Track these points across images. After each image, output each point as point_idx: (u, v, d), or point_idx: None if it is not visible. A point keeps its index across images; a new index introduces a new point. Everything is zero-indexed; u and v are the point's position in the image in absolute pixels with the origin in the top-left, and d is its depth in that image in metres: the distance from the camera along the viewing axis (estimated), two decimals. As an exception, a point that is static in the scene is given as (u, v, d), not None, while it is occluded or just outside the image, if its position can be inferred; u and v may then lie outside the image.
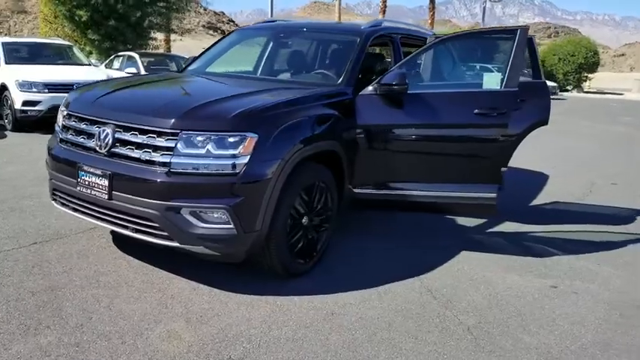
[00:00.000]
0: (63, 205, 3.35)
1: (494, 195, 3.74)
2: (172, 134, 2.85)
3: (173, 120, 2.87)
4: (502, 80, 3.66)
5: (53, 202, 3.45)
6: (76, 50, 10.11)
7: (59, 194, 3.35)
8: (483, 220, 4.82)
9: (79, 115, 3.27)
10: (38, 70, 8.56)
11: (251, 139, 2.85)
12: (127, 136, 2.98)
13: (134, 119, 2.99)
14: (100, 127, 3.09)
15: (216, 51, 4.64)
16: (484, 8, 29.67)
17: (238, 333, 2.68)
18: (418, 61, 4.00)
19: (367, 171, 3.77)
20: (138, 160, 2.92)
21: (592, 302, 3.29)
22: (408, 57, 3.78)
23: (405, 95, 3.66)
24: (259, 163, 2.88)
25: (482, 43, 4.15)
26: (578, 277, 3.68)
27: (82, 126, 3.22)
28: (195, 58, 4.63)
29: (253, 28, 5.02)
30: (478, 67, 4.07)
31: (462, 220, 4.77)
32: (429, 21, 26.85)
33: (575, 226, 4.86)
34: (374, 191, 3.82)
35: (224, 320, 2.80)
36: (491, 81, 3.72)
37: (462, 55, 4.18)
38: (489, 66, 4.28)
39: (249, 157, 2.84)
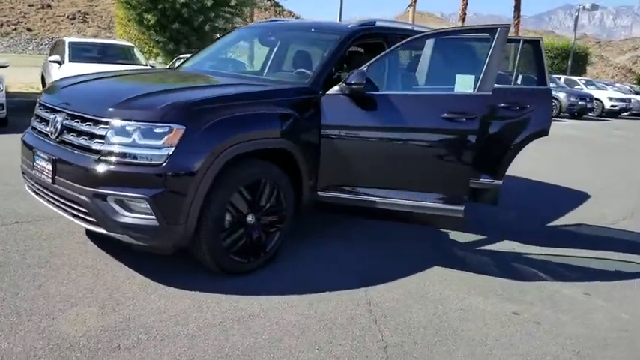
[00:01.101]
0: (29, 187, 3.53)
1: (461, 208, 3.44)
2: (105, 123, 2.91)
3: (107, 109, 2.94)
4: (475, 83, 3.37)
5: (25, 185, 3.66)
6: (136, 51, 10.74)
7: (26, 177, 3.54)
8: (479, 237, 4.48)
9: (44, 103, 3.44)
10: (96, 68, 9.16)
11: (177, 131, 2.84)
12: (72, 124, 3.09)
13: (79, 108, 3.10)
14: (54, 115, 3.23)
15: (214, 49, 4.71)
16: (576, 18, 27.69)
17: (142, 324, 2.67)
18: (391, 61, 3.78)
19: (331, 174, 3.62)
20: (77, 146, 3.01)
21: (551, 335, 2.91)
22: (378, 55, 3.58)
23: (371, 96, 3.48)
24: (185, 156, 2.85)
25: (460, 42, 3.84)
26: (553, 305, 3.28)
27: (44, 114, 3.38)
28: (193, 55, 4.73)
29: (249, 27, 5.03)
30: (455, 67, 3.76)
31: (455, 234, 4.46)
32: (514, 31, 25.53)
33: (586, 252, 4.35)
34: (338, 195, 3.65)
35: (136, 310, 2.80)
36: (464, 83, 3.43)
37: (440, 54, 3.89)
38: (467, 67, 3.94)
39: (173, 149, 2.83)
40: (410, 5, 22.75)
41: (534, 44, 4.16)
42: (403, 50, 3.72)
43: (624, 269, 4.05)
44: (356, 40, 4.04)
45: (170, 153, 2.82)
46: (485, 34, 3.48)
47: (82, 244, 3.63)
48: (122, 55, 10.49)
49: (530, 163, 8.52)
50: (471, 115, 3.33)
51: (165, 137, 2.83)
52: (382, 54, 3.58)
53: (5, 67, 8.80)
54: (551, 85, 20.55)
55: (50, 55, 10.93)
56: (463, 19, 24.08)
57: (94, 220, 2.95)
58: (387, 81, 3.79)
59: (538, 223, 5.10)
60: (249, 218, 3.27)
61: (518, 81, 4.31)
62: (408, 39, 3.55)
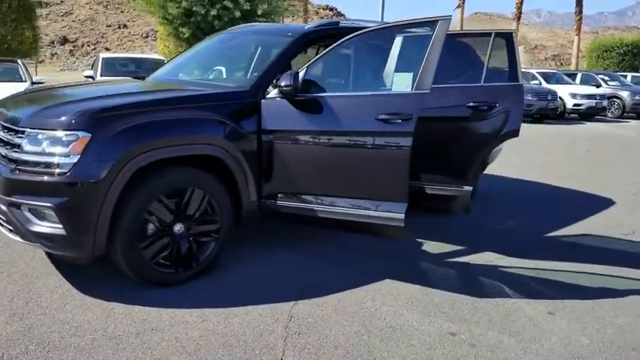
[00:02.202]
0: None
1: (401, 215, 3.15)
2: (22, 132, 2.93)
3: (23, 118, 2.96)
4: (413, 81, 3.09)
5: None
6: (167, 63, 11.09)
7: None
8: (457, 248, 4.13)
9: None
10: (124, 81, 9.55)
11: (83, 139, 2.80)
12: (2, 134, 3.14)
13: (7, 118, 3.15)
14: None
15: (184, 56, 4.70)
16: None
17: (39, 334, 2.63)
18: (331, 61, 3.56)
19: (275, 181, 3.46)
20: (1, 156, 3.06)
21: (480, 360, 2.58)
22: (317, 56, 3.38)
23: (307, 99, 3.30)
24: (90, 164, 2.80)
25: (400, 37, 3.53)
26: (503, 326, 2.92)
27: None
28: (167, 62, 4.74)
29: (220, 34, 4.95)
30: (402, 65, 3.46)
31: (430, 245, 4.14)
32: (575, 27, 24.04)
33: (579, 266, 3.87)
34: (284, 204, 3.48)
35: (42, 320, 2.77)
36: (402, 82, 3.16)
37: (380, 52, 3.60)
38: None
39: (79, 156, 2.79)
40: (457, 7, 22.03)
41: (507, 37, 3.79)
42: (345, 49, 3.49)
43: (612, 286, 3.57)
44: (311, 41, 3.87)
45: (76, 161, 2.79)
46: (426, 28, 3.19)
47: (31, 251, 3.69)
48: (155, 67, 10.83)
49: (568, 167, 7.89)
50: (406, 116, 3.05)
51: (72, 145, 2.80)
52: (321, 54, 3.38)
53: (41, 83, 9.35)
54: (615, 83, 18.99)
55: (90, 69, 11.52)
56: (518, 18, 22.95)
57: (12, 228, 2.97)
58: (329, 82, 3.58)
59: (538, 233, 4.63)
60: (178, 228, 3.17)
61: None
62: (345, 38, 3.33)
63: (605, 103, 16.87)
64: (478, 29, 4.08)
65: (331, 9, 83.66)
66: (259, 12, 14.84)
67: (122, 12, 58.84)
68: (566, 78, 18.02)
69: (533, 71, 18.01)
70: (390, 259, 3.81)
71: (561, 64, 53.45)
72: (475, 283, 3.51)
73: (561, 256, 4.07)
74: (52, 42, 48.37)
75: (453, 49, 4.02)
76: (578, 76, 19.08)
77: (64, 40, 51.47)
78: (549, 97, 15.18)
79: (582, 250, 4.32)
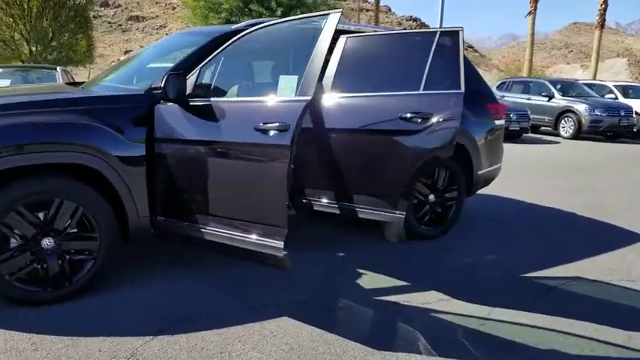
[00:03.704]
0: None
1: (280, 244, 2.65)
2: None
3: None
4: (297, 85, 2.60)
5: None
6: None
7: None
8: (397, 283, 3.54)
9: None
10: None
11: None
12: None
13: None
14: None
15: (129, 61, 4.48)
16: None
17: None
18: (224, 63, 3.13)
19: (167, 197, 3.11)
20: None
21: None
22: (211, 56, 2.98)
23: (195, 105, 2.93)
24: None
25: (294, 34, 3.00)
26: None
27: None
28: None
29: (167, 37, 4.68)
30: (287, 66, 2.96)
31: (367, 278, 3.57)
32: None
33: (545, 319, 3.11)
34: (174, 221, 3.12)
35: None
36: (287, 86, 2.69)
37: (274, 52, 3.11)
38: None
39: None
40: (529, 13, 20.49)
41: (452, 37, 3.18)
42: (239, 49, 3.05)
43: (573, 352, 2.80)
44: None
45: None
46: (317, 25, 2.68)
47: None
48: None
49: (608, 194, 6.83)
50: (283, 127, 2.56)
51: None
52: (212, 55, 2.99)
53: None
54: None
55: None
56: (602, 26, 20.97)
57: None
58: (224, 87, 3.16)
59: (514, 270, 3.88)
60: (46, 243, 2.90)
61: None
62: (237, 37, 2.90)
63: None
64: (433, 28, 3.47)
65: (415, 19, 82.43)
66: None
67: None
68: (651, 93, 16.04)
69: (610, 84, 16.24)
70: (302, 292, 3.30)
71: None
72: (387, 331, 2.91)
73: (527, 304, 3.33)
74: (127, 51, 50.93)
75: (396, 51, 3.47)
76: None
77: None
78: (622, 113, 13.54)
79: (558, 298, 3.51)
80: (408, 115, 3.16)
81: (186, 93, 2.96)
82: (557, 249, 4.45)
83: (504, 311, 3.20)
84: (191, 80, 2.98)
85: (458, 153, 4.47)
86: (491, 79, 29.90)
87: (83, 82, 4.26)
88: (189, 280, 3.38)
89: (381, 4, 42.86)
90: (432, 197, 4.38)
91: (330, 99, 3.55)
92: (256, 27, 2.95)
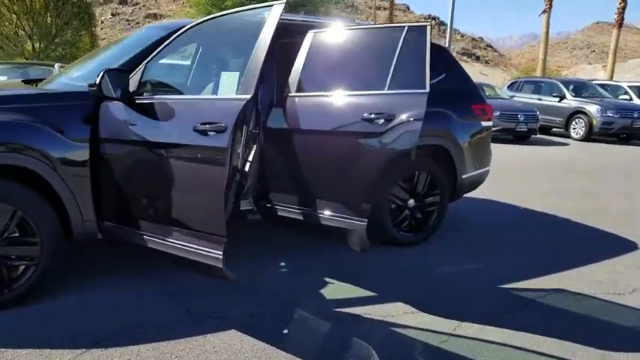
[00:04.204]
0: None
1: (219, 254, 2.47)
2: None
3: None
4: (238, 83, 2.41)
5: None
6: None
7: None
8: (364, 293, 3.34)
9: None
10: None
11: None
12: None
13: None
14: None
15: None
16: None
17: None
18: (169, 57, 2.95)
19: (110, 200, 2.96)
20: None
21: None
22: (156, 51, 2.81)
23: (140, 103, 2.76)
24: None
25: (240, 27, 2.79)
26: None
27: None
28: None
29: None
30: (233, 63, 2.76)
31: (334, 288, 3.38)
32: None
33: (515, 336, 2.88)
34: (120, 227, 2.96)
35: None
36: (229, 83, 2.51)
37: (222, 45, 2.92)
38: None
39: None
40: (543, 12, 19.98)
41: (420, 33, 2.97)
42: (185, 44, 2.88)
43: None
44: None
45: None
46: (261, 17, 2.49)
47: None
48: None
49: (612, 199, 6.52)
50: (221, 128, 2.38)
51: None
52: (158, 50, 2.82)
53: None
54: None
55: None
56: (620, 25, 20.37)
57: None
58: (171, 83, 3.00)
59: (493, 281, 3.65)
60: (-22, 247, 2.77)
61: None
62: (182, 30, 2.72)
63: None
64: (399, 23, 3.26)
65: (433, 18, 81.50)
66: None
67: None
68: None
69: (624, 84, 15.73)
70: (258, 303, 3.11)
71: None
72: (339, 347, 2.71)
73: (499, 318, 3.10)
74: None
75: (364, 48, 3.27)
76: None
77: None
78: (636, 115, 13.08)
79: (534, 312, 3.27)
80: (372, 116, 2.95)
81: (131, 90, 2.79)
82: (544, 258, 4.20)
83: (472, 326, 2.98)
84: (137, 77, 2.81)
85: (440, 156, 4.29)
86: (507, 79, 29.37)
87: (42, 80, 4.10)
88: (138, 288, 3.21)
89: (399, 2, 42.43)
90: (411, 202, 4.16)
91: (296, 99, 3.36)
92: (206, 19, 2.77)
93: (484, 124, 4.55)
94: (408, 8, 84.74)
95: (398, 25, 3.10)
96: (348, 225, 3.03)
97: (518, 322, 3.05)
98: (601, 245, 4.63)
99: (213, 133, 2.42)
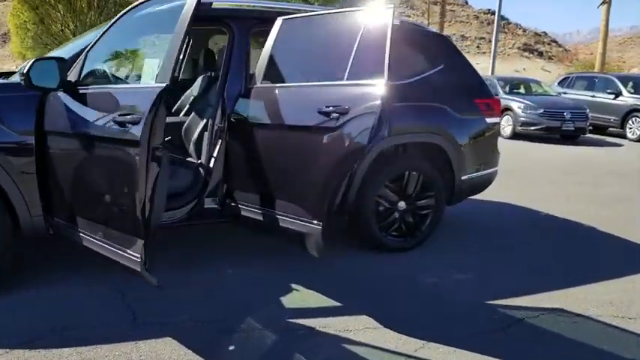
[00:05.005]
0: None
1: (136, 256, 2.28)
2: None
3: None
4: (157, 71, 2.21)
5: None
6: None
7: None
8: (327, 303, 3.08)
9: None
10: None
11: None
12: None
13: None
14: None
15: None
16: None
17: None
18: (107, 45, 2.77)
19: (58, 198, 2.84)
20: None
21: None
22: (96, 38, 2.65)
23: (81, 93, 2.63)
24: None
25: (169, 10, 2.53)
26: None
27: None
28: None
29: None
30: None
31: (299, 296, 3.15)
32: None
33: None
34: (63, 223, 2.84)
35: None
36: (150, 71, 2.30)
37: (155, 30, 2.69)
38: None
39: None
40: (603, 3, 18.60)
41: (381, 18, 2.66)
42: (122, 31, 2.69)
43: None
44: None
45: None
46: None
47: None
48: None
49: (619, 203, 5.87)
50: (134, 119, 2.19)
51: None
52: (97, 38, 2.66)
53: None
54: None
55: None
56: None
57: None
58: (112, 72, 2.83)
59: (480, 296, 3.27)
60: None
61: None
62: (118, 16, 2.55)
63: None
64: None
65: (493, 13, 78.73)
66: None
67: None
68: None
69: (613, 77, 14.20)
70: (210, 309, 2.91)
71: None
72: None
73: (474, 339, 2.74)
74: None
75: (329, 35, 2.99)
76: None
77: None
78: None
79: (519, 334, 2.87)
80: (328, 109, 2.68)
81: (73, 80, 2.66)
82: (549, 270, 3.76)
83: (438, 348, 2.64)
84: (78, 66, 2.67)
85: (434, 155, 3.94)
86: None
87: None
88: (94, 287, 3.08)
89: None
90: (401, 204, 3.83)
91: (260, 90, 3.13)
92: (133, 5, 2.60)
93: (489, 120, 4.14)
94: (467, 2, 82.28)
95: (360, 9, 2.79)
96: (304, 228, 2.77)
97: (493, 346, 2.68)
98: (624, 259, 4.11)
99: (129, 124, 2.24)
